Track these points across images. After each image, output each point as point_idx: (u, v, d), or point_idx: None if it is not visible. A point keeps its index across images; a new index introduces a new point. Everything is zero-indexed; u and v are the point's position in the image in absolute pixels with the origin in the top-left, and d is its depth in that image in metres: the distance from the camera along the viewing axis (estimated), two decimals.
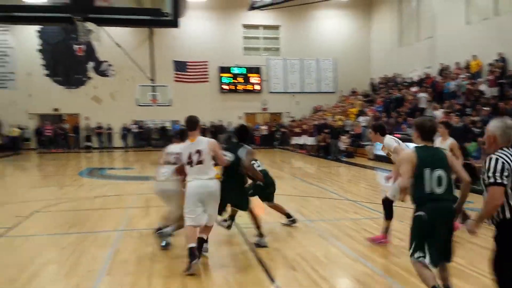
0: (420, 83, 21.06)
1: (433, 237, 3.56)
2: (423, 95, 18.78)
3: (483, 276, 4.47)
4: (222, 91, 28.63)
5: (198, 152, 5.04)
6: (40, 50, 26.72)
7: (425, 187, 3.57)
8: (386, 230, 5.91)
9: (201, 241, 5.12)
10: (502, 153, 3.15)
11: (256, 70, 28.95)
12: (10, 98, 26.00)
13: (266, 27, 29.46)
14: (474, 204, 5.93)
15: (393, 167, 5.66)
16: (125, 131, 27.34)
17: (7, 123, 26.13)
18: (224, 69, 28.48)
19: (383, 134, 5.95)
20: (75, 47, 26.25)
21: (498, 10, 18.32)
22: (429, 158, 3.64)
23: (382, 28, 27.79)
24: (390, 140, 5.86)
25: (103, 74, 27.21)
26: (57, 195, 10.69)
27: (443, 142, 6.42)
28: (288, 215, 6.98)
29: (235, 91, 28.82)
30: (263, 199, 6.78)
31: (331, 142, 19.58)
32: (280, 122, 29.25)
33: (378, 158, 16.46)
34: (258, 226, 5.96)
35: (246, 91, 28.95)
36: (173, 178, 5.60)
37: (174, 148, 5.85)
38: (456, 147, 6.41)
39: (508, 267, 3.12)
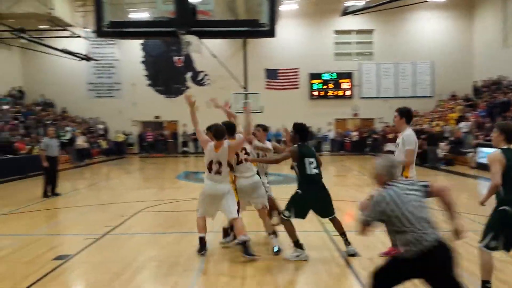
0: None
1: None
2: None
3: None
4: (312, 97, 28.61)
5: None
6: (143, 62, 28.88)
7: None
8: None
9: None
10: None
11: (347, 76, 28.53)
12: (116, 107, 28.43)
13: (358, 31, 28.95)
14: None
15: None
16: None
17: (113, 130, 28.56)
18: (315, 75, 28.45)
19: (408, 122, 5.65)
20: (175, 58, 28.06)
21: None
22: None
23: (485, 28, 25.98)
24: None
25: (200, 83, 28.64)
26: (158, 197, 11.45)
27: None
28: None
29: (325, 97, 28.63)
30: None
31: (429, 149, 18.64)
32: (372, 128, 28.47)
33: (481, 167, 15.31)
34: (342, 233, 5.85)
35: (337, 96, 28.62)
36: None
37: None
38: None
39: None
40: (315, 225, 7.15)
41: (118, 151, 27.15)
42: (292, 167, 5.94)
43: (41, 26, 23.00)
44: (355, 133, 27.72)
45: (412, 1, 20.16)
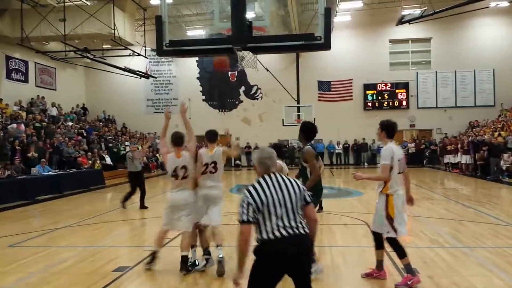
0: None
1: None
2: None
3: None
4: (366, 108, 28.09)
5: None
6: (198, 78, 29.68)
7: None
8: None
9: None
10: None
11: (403, 86, 27.82)
12: (173, 122, 28.99)
13: (415, 40, 28.21)
14: None
15: None
16: None
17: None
18: (369, 86, 27.96)
19: (389, 136, 5.19)
20: (229, 73, 28.63)
21: None
22: None
23: None
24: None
25: (253, 97, 28.99)
26: None
27: None
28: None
29: (380, 107, 28.01)
30: None
31: (491, 160, 17.71)
32: (430, 139, 27.47)
33: None
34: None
35: (392, 107, 27.91)
36: None
37: None
38: None
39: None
40: None
41: None
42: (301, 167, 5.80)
43: (104, 46, 24.28)
44: (411, 145, 26.87)
45: (472, 8, 19.39)
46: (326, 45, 4.37)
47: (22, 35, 19.55)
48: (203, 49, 5.03)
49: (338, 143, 27.93)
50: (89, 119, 28.16)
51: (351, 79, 27.85)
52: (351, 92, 28.10)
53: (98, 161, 20.95)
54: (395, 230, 5.04)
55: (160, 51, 4.66)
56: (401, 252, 5.08)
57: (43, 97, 24.86)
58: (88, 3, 22.25)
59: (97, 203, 12.67)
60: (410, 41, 28.23)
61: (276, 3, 20.17)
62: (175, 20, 24.72)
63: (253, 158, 3.44)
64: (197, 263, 5.98)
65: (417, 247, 6.74)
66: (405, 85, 27.79)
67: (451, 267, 5.82)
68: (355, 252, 6.79)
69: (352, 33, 27.80)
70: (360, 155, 28.09)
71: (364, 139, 27.69)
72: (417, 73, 27.96)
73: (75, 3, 21.11)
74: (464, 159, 20.53)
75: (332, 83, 28.06)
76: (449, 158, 22.48)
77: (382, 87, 27.92)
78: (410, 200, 5.35)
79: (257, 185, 3.24)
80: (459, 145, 21.17)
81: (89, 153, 20.82)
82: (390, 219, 5.04)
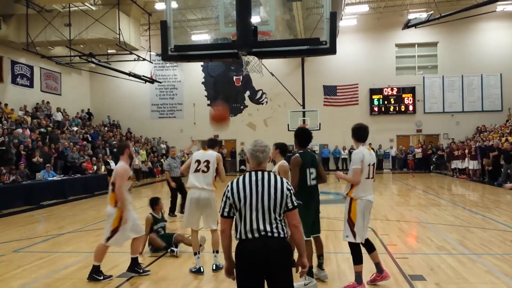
0: None
1: None
2: None
3: None
4: (373, 113, 27.96)
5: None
6: (203, 83, 29.71)
7: None
8: None
9: None
10: None
11: (410, 90, 27.70)
12: (178, 126, 29.36)
13: (421, 44, 28.09)
14: None
15: None
16: None
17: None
18: (375, 91, 27.85)
19: (360, 140, 5.36)
20: (234, 78, 28.66)
21: None
22: None
23: None
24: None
25: (258, 102, 28.96)
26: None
27: None
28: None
29: (386, 112, 27.89)
30: None
31: (504, 167, 17.50)
32: (437, 144, 27.29)
33: None
34: (320, 255, 5.59)
35: (399, 112, 27.78)
36: None
37: None
38: None
39: None
40: None
41: None
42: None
43: (109, 51, 24.37)
44: (418, 150, 26.72)
45: (478, 12, 19.28)
46: (332, 50, 4.31)
47: (28, 40, 19.66)
48: (209, 54, 4.98)
49: (344, 148, 27.80)
50: (94, 124, 28.22)
51: (357, 84, 27.76)
52: (357, 97, 28.01)
53: (103, 166, 20.94)
54: (354, 235, 5.00)
55: (165, 56, 4.62)
56: (357, 259, 5.07)
57: (48, 102, 24.95)
58: (93, 8, 22.36)
59: (102, 209, 12.57)
60: (416, 45, 28.12)
61: (281, 7, 20.17)
62: (180, 25, 24.79)
63: (246, 149, 3.40)
64: (201, 270, 5.95)
65: (424, 253, 6.65)
66: (412, 90, 27.67)
67: (458, 274, 5.73)
68: None
69: (358, 37, 27.75)
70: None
71: (370, 144, 27.49)
72: (423, 77, 27.84)
73: (80, 8, 21.21)
74: (472, 164, 20.34)
75: (337, 87, 27.98)
76: (456, 164, 22.27)
77: (388, 92, 27.81)
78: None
79: (240, 181, 3.19)
80: (467, 151, 20.97)
81: (94, 158, 20.85)
82: (351, 223, 5.02)
